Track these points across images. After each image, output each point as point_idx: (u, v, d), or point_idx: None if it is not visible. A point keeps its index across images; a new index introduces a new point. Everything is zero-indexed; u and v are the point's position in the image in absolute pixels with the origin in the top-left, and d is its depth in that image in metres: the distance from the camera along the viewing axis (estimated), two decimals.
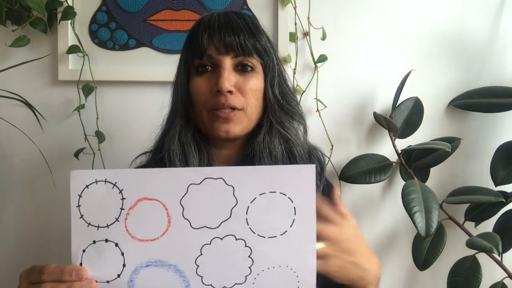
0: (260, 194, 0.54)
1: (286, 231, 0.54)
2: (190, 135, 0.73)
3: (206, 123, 0.72)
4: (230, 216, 0.54)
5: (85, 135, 1.12)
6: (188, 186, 0.54)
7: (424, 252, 1.03)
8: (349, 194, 1.16)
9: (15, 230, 1.16)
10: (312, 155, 0.78)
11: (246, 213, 0.54)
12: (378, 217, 1.17)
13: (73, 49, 1.08)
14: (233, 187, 0.54)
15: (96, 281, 0.53)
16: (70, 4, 1.09)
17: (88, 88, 1.09)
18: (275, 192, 0.54)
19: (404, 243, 1.16)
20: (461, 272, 1.02)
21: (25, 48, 1.09)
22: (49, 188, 1.14)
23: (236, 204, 0.54)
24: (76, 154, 1.10)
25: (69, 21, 1.10)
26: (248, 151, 0.73)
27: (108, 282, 0.54)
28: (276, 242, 0.54)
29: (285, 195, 0.54)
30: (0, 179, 1.15)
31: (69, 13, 1.07)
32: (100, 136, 1.11)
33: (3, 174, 1.15)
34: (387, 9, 1.14)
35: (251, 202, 0.54)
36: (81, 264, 0.54)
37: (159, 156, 0.75)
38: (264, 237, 0.54)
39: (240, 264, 0.54)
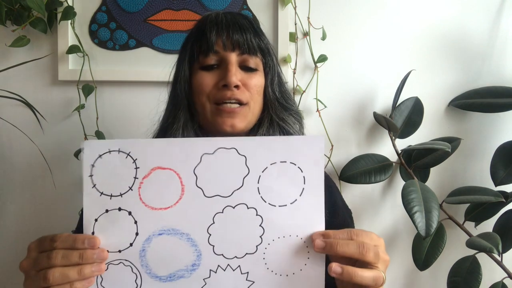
0: (271, 164, 0.55)
1: (296, 199, 0.55)
2: (193, 131, 0.74)
3: (209, 117, 0.72)
4: (242, 185, 0.55)
5: (85, 135, 1.12)
6: (202, 156, 0.54)
7: (424, 252, 1.03)
8: (349, 194, 1.16)
9: (15, 230, 1.16)
10: None
11: (258, 182, 0.55)
12: (378, 217, 1.17)
13: (73, 49, 1.08)
14: (245, 156, 0.55)
15: (108, 251, 0.53)
16: (70, 4, 1.09)
17: (88, 88, 1.09)
18: (285, 161, 0.55)
19: (404, 243, 1.16)
20: (461, 272, 1.02)
21: (25, 48, 1.09)
22: (49, 188, 1.14)
23: (248, 173, 0.55)
24: (76, 154, 1.10)
25: (69, 21, 1.10)
26: None
27: (120, 251, 0.54)
28: (286, 211, 0.55)
29: (295, 164, 0.55)
30: (0, 179, 1.15)
31: (69, 13, 1.07)
32: (100, 136, 1.11)
33: (3, 174, 1.15)
34: (387, 9, 1.14)
35: (262, 172, 0.55)
36: (93, 233, 0.54)
37: None
38: (275, 206, 0.55)
39: (251, 233, 0.55)
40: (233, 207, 0.55)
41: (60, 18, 1.07)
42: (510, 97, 1.05)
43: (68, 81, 1.12)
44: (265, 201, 0.55)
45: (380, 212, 1.17)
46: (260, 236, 0.55)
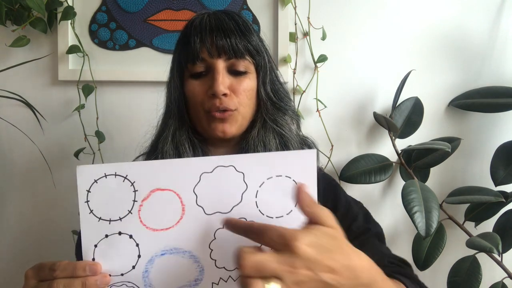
0: (268, 178, 0.56)
1: (291, 210, 0.56)
2: (185, 136, 0.74)
3: (204, 124, 0.73)
4: (241, 201, 0.56)
5: (85, 135, 1.12)
6: (201, 175, 0.55)
7: (424, 252, 1.03)
8: (349, 194, 1.15)
9: (15, 230, 1.16)
10: (303, 146, 0.79)
11: (256, 197, 0.56)
12: (378, 217, 1.16)
13: (73, 49, 1.08)
14: (243, 173, 0.55)
15: (110, 275, 0.53)
16: (70, 4, 1.09)
17: (88, 88, 1.09)
18: (281, 175, 0.56)
19: (404, 243, 1.16)
20: (461, 272, 1.02)
21: (25, 48, 1.09)
22: (49, 188, 1.14)
23: (246, 189, 0.56)
24: (76, 154, 1.10)
25: (69, 21, 1.10)
26: (243, 146, 0.74)
27: (122, 274, 0.54)
28: (283, 221, 0.56)
29: (290, 178, 0.56)
30: (0, 179, 1.15)
31: (69, 13, 1.07)
32: (100, 136, 1.11)
33: (3, 174, 1.15)
34: (387, 9, 1.14)
35: (260, 186, 0.56)
36: (93, 259, 0.54)
37: (152, 158, 0.75)
38: (272, 218, 0.56)
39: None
40: None
41: (60, 18, 1.07)
42: (510, 97, 1.05)
43: (68, 81, 1.12)
44: (263, 214, 0.56)
45: (380, 212, 1.17)
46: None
